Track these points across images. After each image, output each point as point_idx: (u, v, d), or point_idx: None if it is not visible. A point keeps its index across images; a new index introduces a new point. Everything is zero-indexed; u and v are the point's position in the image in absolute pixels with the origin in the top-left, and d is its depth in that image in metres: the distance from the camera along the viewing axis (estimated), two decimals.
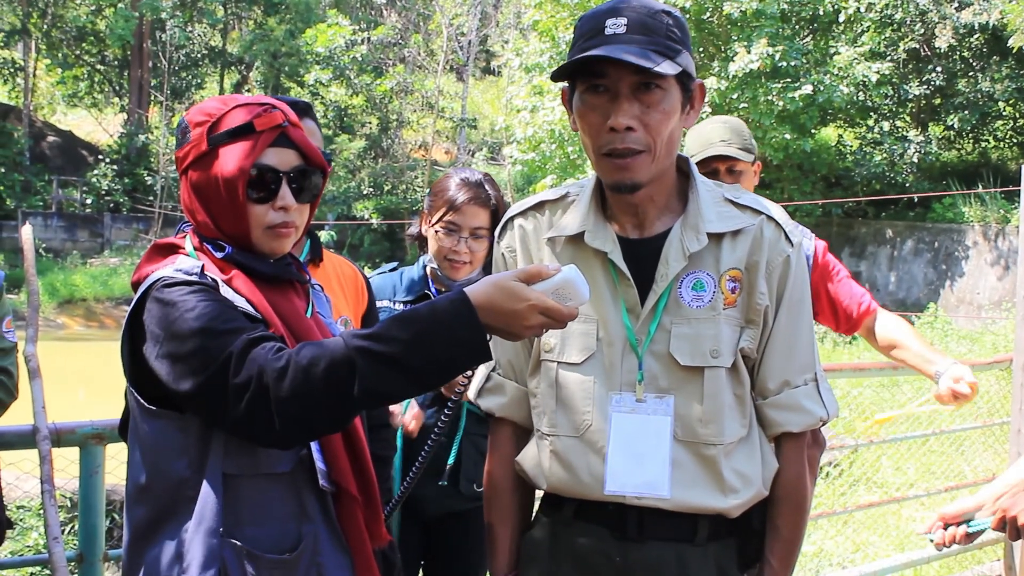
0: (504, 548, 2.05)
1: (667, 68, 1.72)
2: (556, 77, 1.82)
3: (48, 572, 2.74)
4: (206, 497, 1.67)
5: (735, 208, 1.89)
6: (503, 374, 2.04)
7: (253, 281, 1.77)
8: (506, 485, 2.06)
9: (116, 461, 2.59)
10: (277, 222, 1.80)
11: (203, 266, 1.74)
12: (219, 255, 1.78)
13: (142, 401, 1.71)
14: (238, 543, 1.68)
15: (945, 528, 2.12)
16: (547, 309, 1.57)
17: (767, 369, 1.89)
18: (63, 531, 3.74)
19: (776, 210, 1.93)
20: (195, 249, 1.80)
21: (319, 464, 1.78)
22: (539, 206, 1.98)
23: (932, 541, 2.15)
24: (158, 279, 1.70)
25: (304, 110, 2.41)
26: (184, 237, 1.84)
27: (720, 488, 1.84)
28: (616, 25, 1.75)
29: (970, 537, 2.11)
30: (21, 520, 5.72)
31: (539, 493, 2.11)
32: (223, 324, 1.63)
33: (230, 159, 1.74)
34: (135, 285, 1.77)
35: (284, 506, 1.74)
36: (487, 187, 2.85)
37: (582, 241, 1.90)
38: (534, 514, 2.07)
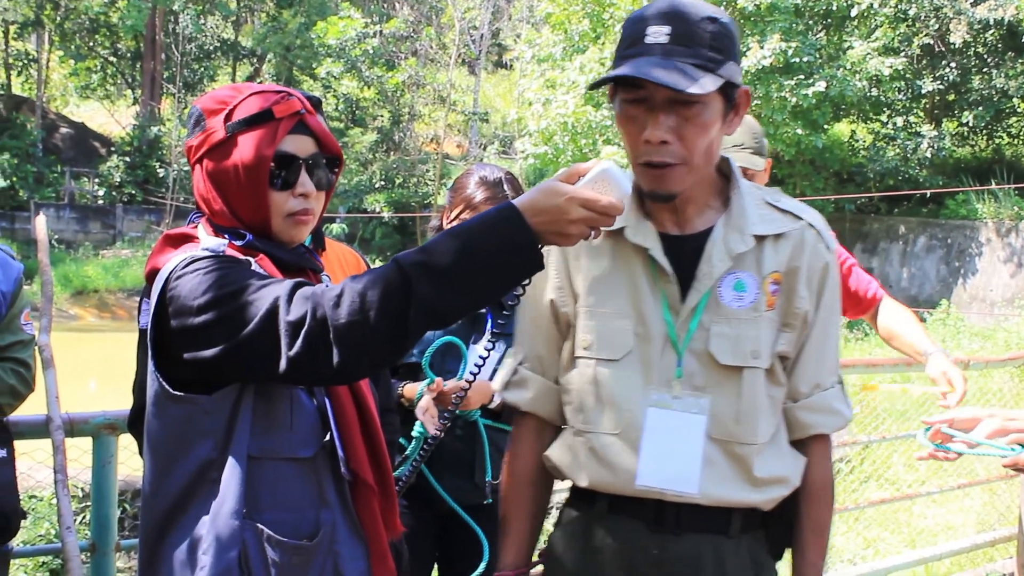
0: (518, 542, 2.04)
1: (702, 87, 1.68)
2: (592, 88, 1.82)
3: (60, 561, 2.75)
4: (229, 478, 1.66)
5: (776, 212, 1.89)
6: (530, 368, 2.02)
7: (275, 267, 1.77)
8: (527, 478, 2.04)
9: (129, 451, 2.59)
10: (297, 209, 1.79)
11: (226, 246, 1.74)
12: (239, 243, 1.77)
13: (167, 387, 1.69)
14: (260, 526, 1.68)
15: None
16: (586, 200, 1.56)
17: (800, 372, 1.90)
18: (75, 521, 3.75)
19: (814, 215, 1.92)
20: (210, 237, 1.79)
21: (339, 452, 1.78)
22: None
23: (926, 440, 2.19)
24: (185, 258, 1.69)
25: (315, 105, 2.41)
26: (196, 227, 1.83)
27: (752, 484, 1.85)
28: (658, 34, 1.72)
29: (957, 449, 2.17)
30: (34, 510, 5.75)
31: (559, 486, 2.10)
32: (265, 277, 1.64)
33: (250, 146, 1.73)
34: (149, 276, 1.75)
35: (304, 492, 1.74)
36: (506, 187, 2.82)
37: (622, 236, 1.89)
38: (562, 508, 2.05)
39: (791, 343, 1.88)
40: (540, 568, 2.09)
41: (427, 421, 2.66)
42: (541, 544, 2.13)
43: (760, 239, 1.86)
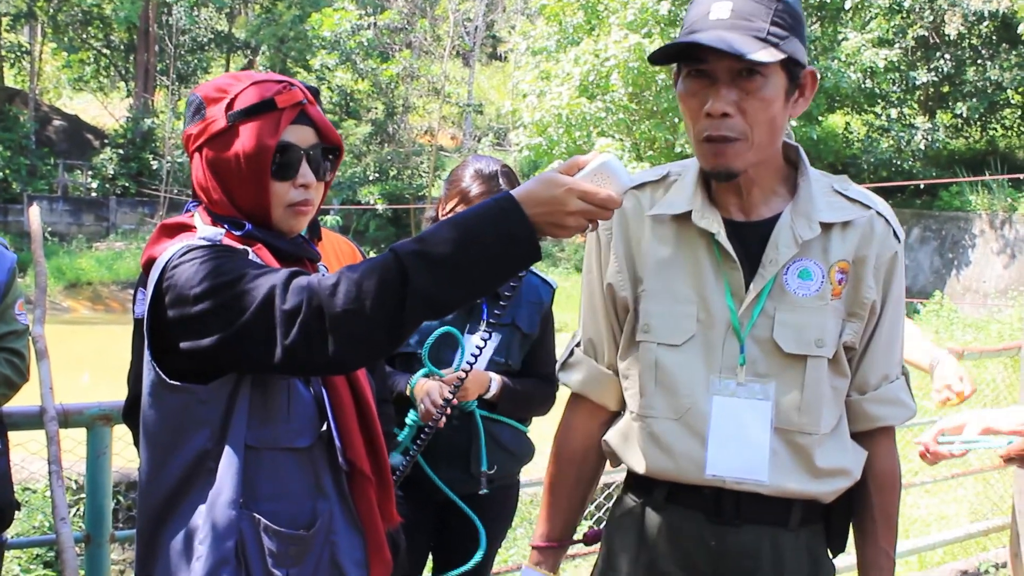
0: (553, 517, 2.04)
1: (764, 56, 1.67)
2: (653, 60, 1.80)
3: (55, 553, 2.75)
4: (226, 468, 1.66)
5: (844, 200, 1.88)
6: (583, 351, 2.02)
7: (273, 256, 1.77)
8: (571, 458, 2.04)
9: (123, 443, 2.58)
10: (297, 200, 1.79)
11: (224, 235, 1.73)
12: (238, 233, 1.76)
13: (164, 377, 1.69)
14: (257, 516, 1.68)
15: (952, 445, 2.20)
16: (584, 193, 1.54)
17: (869, 364, 1.88)
18: (71, 513, 3.75)
19: (883, 204, 1.91)
20: (207, 227, 1.77)
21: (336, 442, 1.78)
22: (640, 186, 1.95)
23: (925, 446, 2.23)
24: (182, 248, 1.68)
25: (314, 95, 2.40)
26: (192, 216, 1.81)
27: (814, 474, 1.83)
28: (721, 10, 1.72)
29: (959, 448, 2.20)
30: (28, 502, 5.73)
31: (605, 474, 2.09)
32: (261, 267, 1.64)
33: (252, 136, 1.73)
34: (146, 265, 1.75)
35: (301, 482, 1.74)
36: (501, 180, 2.80)
37: (687, 220, 1.87)
38: (617, 496, 2.04)
39: (857, 333, 1.85)
40: (581, 546, 2.09)
41: (429, 406, 2.64)
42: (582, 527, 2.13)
43: (827, 227, 1.84)
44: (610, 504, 2.09)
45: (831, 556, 1.97)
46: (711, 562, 1.85)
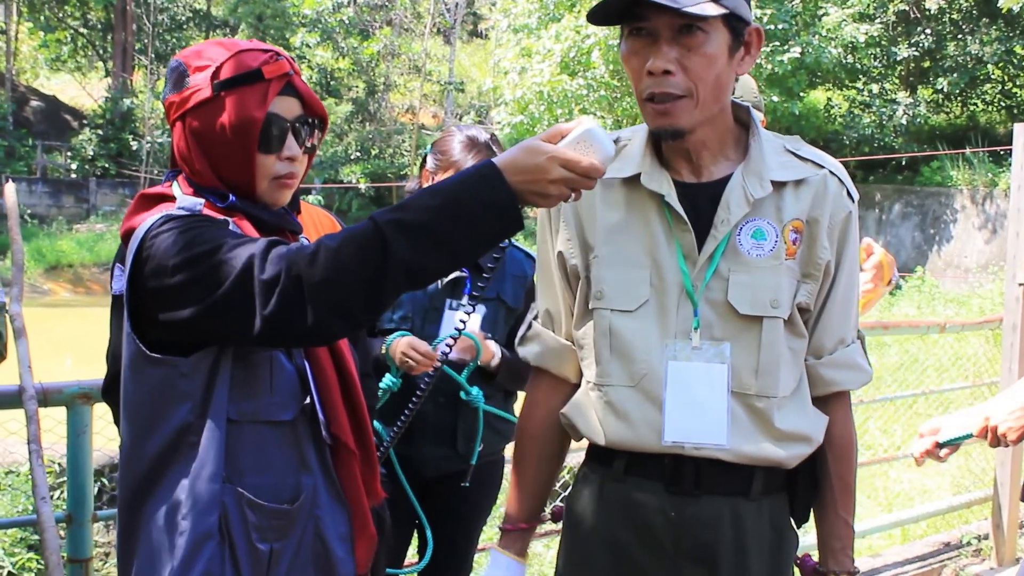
0: (521, 497, 2.02)
1: (702, 9, 1.64)
2: (593, 20, 1.77)
3: (38, 535, 2.73)
4: (209, 441, 1.64)
5: (796, 159, 1.86)
6: (540, 323, 2.00)
7: (255, 228, 1.74)
8: (537, 434, 2.02)
9: (104, 421, 2.55)
10: (283, 173, 1.77)
11: (204, 205, 1.71)
12: (221, 204, 1.74)
13: (144, 349, 1.66)
14: (240, 490, 1.66)
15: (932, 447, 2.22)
16: (566, 160, 1.52)
17: (825, 327, 1.87)
18: (52, 495, 3.72)
19: (836, 164, 1.89)
20: (186, 197, 1.74)
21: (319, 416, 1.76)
22: None
23: (913, 456, 2.24)
24: (161, 218, 1.66)
25: None
26: (171, 186, 1.79)
27: (775, 438, 1.80)
28: None
29: (941, 447, 2.20)
30: (11, 486, 5.70)
31: (573, 447, 2.07)
32: (240, 236, 1.62)
33: (239, 108, 1.70)
34: (125, 236, 1.72)
35: (285, 456, 1.72)
36: (495, 148, 2.77)
37: (637, 184, 1.84)
38: (578, 469, 2.02)
39: (811, 295, 1.84)
40: (550, 524, 2.06)
41: (419, 357, 2.62)
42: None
43: (780, 185, 1.82)
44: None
45: (795, 527, 1.96)
46: (670, 533, 1.82)
